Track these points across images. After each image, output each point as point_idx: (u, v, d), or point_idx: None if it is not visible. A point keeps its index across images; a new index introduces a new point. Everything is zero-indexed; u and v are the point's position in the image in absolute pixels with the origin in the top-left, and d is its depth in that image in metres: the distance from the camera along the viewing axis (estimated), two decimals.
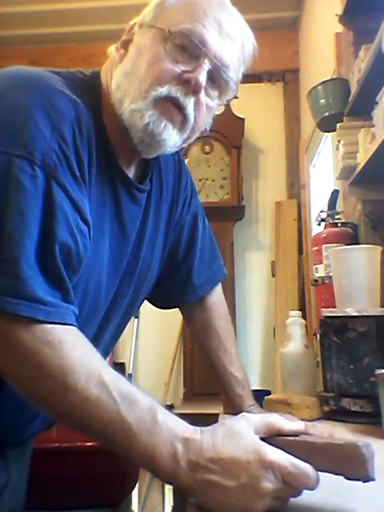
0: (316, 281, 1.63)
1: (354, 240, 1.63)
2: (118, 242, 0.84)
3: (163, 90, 0.76)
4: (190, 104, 0.77)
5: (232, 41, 0.79)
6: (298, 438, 0.61)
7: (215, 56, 0.77)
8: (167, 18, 0.78)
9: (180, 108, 0.77)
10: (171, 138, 0.79)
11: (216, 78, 0.80)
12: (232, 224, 3.43)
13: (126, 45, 0.82)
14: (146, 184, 0.89)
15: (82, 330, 0.65)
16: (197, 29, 0.76)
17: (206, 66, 0.77)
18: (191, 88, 0.76)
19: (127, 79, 0.78)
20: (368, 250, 1.29)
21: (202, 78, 0.76)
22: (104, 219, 0.79)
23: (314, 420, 1.11)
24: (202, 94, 0.78)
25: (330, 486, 0.60)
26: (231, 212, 3.41)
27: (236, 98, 0.84)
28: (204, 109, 0.80)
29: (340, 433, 0.68)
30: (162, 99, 0.76)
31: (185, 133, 0.80)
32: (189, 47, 0.76)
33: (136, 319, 3.50)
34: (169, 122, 0.77)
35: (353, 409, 1.10)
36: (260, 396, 1.17)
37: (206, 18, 0.77)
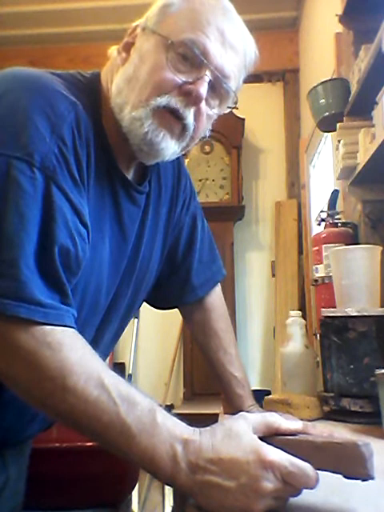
0: (316, 281, 1.63)
1: (354, 240, 1.63)
2: (118, 244, 0.84)
3: (163, 100, 0.76)
4: (190, 115, 0.78)
5: (234, 50, 0.79)
6: (297, 437, 0.61)
7: (217, 67, 0.77)
8: (170, 24, 0.78)
9: (179, 118, 0.78)
10: (169, 148, 0.79)
11: (217, 88, 0.80)
12: (232, 224, 3.43)
13: (127, 48, 0.82)
14: (144, 186, 0.89)
15: (81, 332, 0.65)
16: (199, 39, 0.76)
17: (208, 77, 0.77)
18: (192, 99, 0.76)
19: (128, 85, 0.78)
20: (368, 250, 1.29)
21: (203, 90, 0.76)
22: (103, 221, 0.79)
23: (313, 420, 1.11)
24: (203, 104, 0.78)
25: (330, 486, 0.60)
26: (231, 212, 3.41)
27: (236, 108, 0.85)
28: (204, 118, 0.80)
29: (340, 433, 0.68)
30: (161, 109, 0.76)
31: (184, 142, 0.81)
32: (190, 57, 0.77)
33: (136, 319, 3.50)
34: (167, 132, 0.78)
35: (353, 409, 1.10)
36: (260, 396, 1.17)
37: (209, 28, 0.77)
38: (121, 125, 0.79)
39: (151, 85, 0.76)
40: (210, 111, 0.82)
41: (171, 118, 0.77)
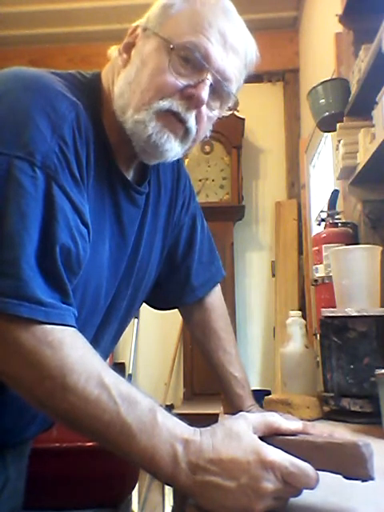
0: (316, 281, 1.63)
1: (354, 240, 1.63)
2: (118, 244, 0.84)
3: (165, 104, 0.76)
4: (191, 118, 0.78)
5: (235, 52, 0.79)
6: (297, 438, 0.61)
7: (218, 70, 0.78)
8: (171, 26, 0.78)
9: (181, 121, 0.78)
10: (173, 149, 0.80)
11: (218, 91, 0.80)
12: (232, 224, 3.42)
13: (128, 48, 0.82)
14: (144, 186, 0.89)
15: (81, 332, 0.65)
16: (201, 42, 0.76)
17: (209, 80, 0.77)
18: (193, 103, 0.77)
19: (130, 88, 0.78)
20: (368, 250, 1.30)
21: (205, 93, 0.77)
22: (103, 221, 0.79)
23: (313, 420, 1.11)
24: (204, 107, 0.79)
25: (330, 486, 0.60)
26: (231, 212, 3.41)
27: (237, 110, 0.85)
28: (205, 120, 0.81)
29: (340, 433, 0.68)
30: (163, 112, 0.77)
31: (186, 144, 0.82)
32: (192, 60, 0.77)
33: (136, 319, 3.50)
34: (171, 134, 0.78)
35: (353, 409, 1.10)
36: (260, 396, 1.17)
37: (210, 30, 0.77)
38: (123, 126, 0.79)
39: (153, 88, 0.76)
40: (211, 113, 0.82)
41: (174, 121, 0.78)
